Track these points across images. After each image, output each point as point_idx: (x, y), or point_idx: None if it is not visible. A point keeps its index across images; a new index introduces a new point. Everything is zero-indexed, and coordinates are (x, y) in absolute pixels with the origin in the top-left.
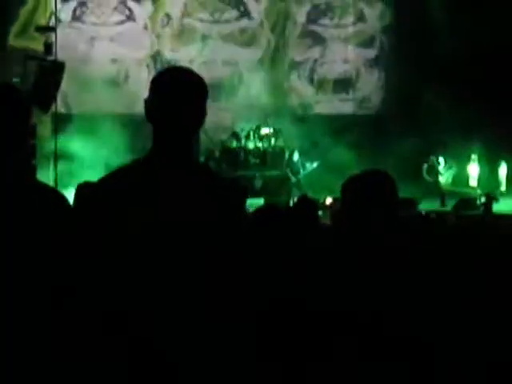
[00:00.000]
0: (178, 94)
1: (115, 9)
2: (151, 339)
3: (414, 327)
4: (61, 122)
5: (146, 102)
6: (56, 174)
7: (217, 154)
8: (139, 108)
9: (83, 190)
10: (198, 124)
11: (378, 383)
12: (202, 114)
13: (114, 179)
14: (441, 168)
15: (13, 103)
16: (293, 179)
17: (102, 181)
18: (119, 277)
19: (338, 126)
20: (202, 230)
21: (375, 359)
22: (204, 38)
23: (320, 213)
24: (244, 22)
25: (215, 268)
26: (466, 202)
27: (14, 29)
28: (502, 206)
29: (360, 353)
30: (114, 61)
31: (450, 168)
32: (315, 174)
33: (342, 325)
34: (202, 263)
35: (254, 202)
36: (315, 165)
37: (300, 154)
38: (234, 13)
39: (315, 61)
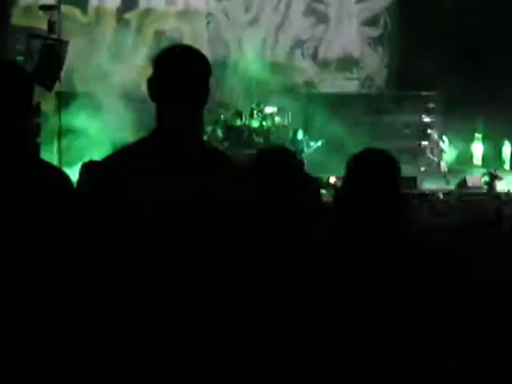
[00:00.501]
0: (180, 72)
1: None
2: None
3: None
4: (65, 99)
5: (149, 81)
6: (60, 152)
7: (220, 132)
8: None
9: (88, 168)
10: (202, 102)
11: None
12: (205, 91)
13: (119, 158)
14: (444, 146)
15: (16, 80)
16: (298, 157)
17: (107, 160)
18: (126, 254)
19: (342, 104)
20: (210, 207)
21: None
22: (208, 15)
23: (324, 191)
24: (247, 1)
25: (223, 244)
26: (470, 179)
27: (19, 7)
28: (506, 185)
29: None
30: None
31: (453, 146)
32: (319, 153)
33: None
34: (209, 240)
35: None
36: (319, 143)
37: (304, 133)
38: None
39: (319, 39)
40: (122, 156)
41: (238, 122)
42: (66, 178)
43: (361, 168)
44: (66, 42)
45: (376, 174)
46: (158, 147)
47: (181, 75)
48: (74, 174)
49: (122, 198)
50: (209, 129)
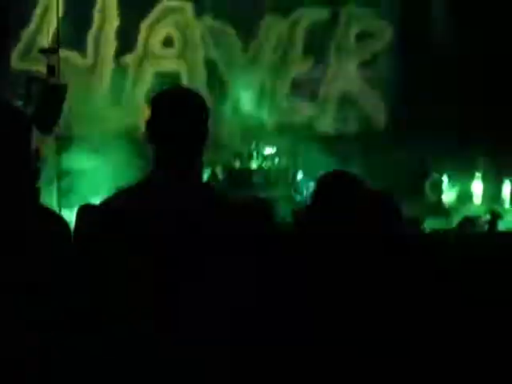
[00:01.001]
0: (177, 114)
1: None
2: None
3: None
4: (64, 143)
5: (146, 123)
6: (59, 195)
7: (219, 174)
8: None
9: (85, 211)
10: (199, 144)
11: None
12: (202, 133)
13: (117, 201)
14: (444, 185)
15: (15, 125)
16: (297, 198)
17: (105, 203)
18: (124, 298)
19: (341, 145)
20: (208, 248)
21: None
22: (205, 57)
23: None
24: (246, 42)
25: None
26: (471, 219)
27: (17, 51)
28: (507, 224)
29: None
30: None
31: (453, 185)
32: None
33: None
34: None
35: None
36: None
37: (304, 174)
38: (235, 32)
39: (317, 79)
40: (119, 198)
41: (238, 164)
42: (65, 226)
43: (324, 189)
44: (65, 86)
45: (337, 194)
46: (155, 189)
47: (177, 118)
48: (73, 216)
49: (121, 242)
50: (208, 170)
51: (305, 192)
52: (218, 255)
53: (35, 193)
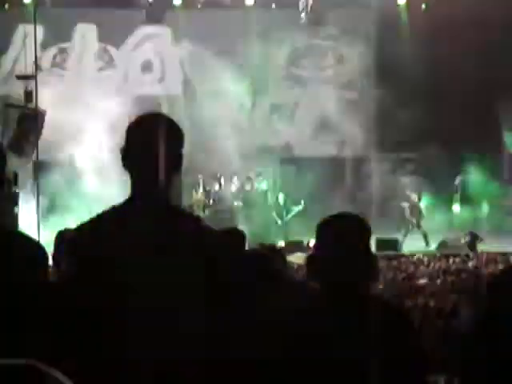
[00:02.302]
0: (151, 141)
1: (96, 55)
2: None
3: None
4: (42, 168)
5: (121, 149)
6: (38, 220)
7: (199, 197)
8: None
9: (63, 237)
10: (173, 169)
11: None
12: (177, 160)
13: (93, 226)
14: (423, 207)
15: None
16: (279, 222)
17: (79, 229)
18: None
19: (320, 168)
20: (182, 280)
21: None
22: (185, 82)
23: (304, 255)
24: (224, 66)
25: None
26: (450, 241)
27: None
28: (485, 246)
29: None
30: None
31: (432, 207)
32: (300, 217)
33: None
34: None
35: None
36: (300, 207)
37: (285, 197)
38: (214, 57)
39: (296, 103)
40: (95, 223)
41: (217, 187)
42: (42, 254)
43: (331, 232)
44: (43, 111)
45: (346, 238)
46: (130, 215)
47: (150, 145)
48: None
49: (96, 266)
50: (187, 193)
51: (285, 215)
52: (189, 283)
53: (13, 216)
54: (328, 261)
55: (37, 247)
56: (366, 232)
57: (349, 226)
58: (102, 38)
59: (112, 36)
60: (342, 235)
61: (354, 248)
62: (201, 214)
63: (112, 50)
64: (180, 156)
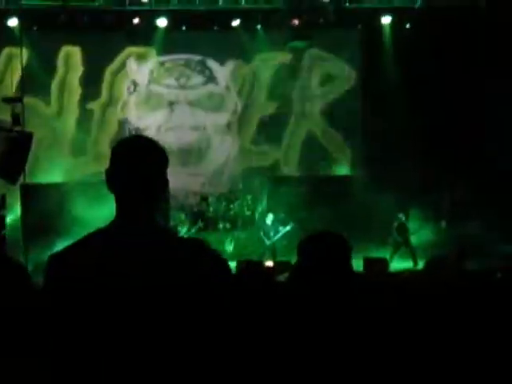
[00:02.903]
0: (135, 164)
1: (81, 77)
2: None
3: None
4: (29, 191)
5: (106, 171)
6: (25, 245)
7: (186, 218)
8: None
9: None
10: (158, 192)
11: None
12: (161, 182)
13: (77, 249)
14: (410, 226)
15: None
16: (267, 242)
17: (65, 252)
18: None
19: (308, 187)
20: (170, 300)
21: None
22: (171, 103)
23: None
24: (210, 87)
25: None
26: (438, 259)
27: None
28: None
29: None
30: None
31: (419, 225)
32: (289, 237)
33: None
34: (169, 334)
35: None
36: (288, 227)
37: (273, 217)
38: (199, 78)
39: (282, 123)
40: (80, 246)
41: (205, 208)
42: (24, 277)
43: (310, 250)
44: (30, 134)
45: (326, 256)
46: (115, 238)
47: (135, 167)
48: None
49: (80, 291)
50: (175, 215)
51: (273, 235)
52: (173, 307)
53: (1, 241)
54: (308, 277)
55: (19, 271)
56: (346, 250)
57: (328, 245)
58: (87, 60)
59: (97, 58)
60: (322, 253)
61: (334, 266)
62: (187, 235)
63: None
64: (164, 177)
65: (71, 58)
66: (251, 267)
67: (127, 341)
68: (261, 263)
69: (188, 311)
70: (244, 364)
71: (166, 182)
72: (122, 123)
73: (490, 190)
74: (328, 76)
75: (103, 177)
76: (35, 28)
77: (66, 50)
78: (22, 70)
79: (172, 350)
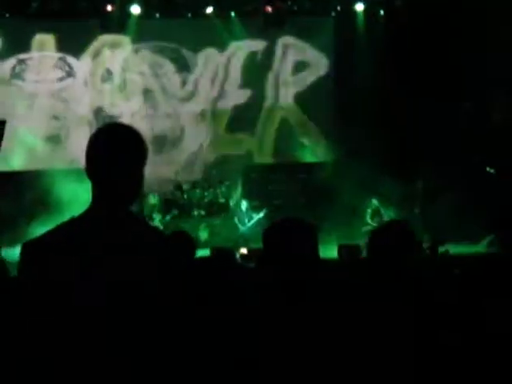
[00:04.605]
0: (113, 151)
1: (55, 65)
2: None
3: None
4: (3, 179)
5: (86, 159)
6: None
7: (161, 206)
8: (81, 164)
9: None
10: (135, 179)
11: None
12: (139, 168)
13: (51, 238)
14: (384, 212)
15: None
16: (241, 229)
17: (39, 240)
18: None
19: (282, 174)
20: (139, 288)
21: None
22: (145, 91)
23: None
24: (184, 75)
25: (151, 326)
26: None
27: None
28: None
29: None
30: (54, 118)
31: (393, 212)
32: (263, 223)
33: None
34: (139, 322)
35: (201, 254)
36: (262, 214)
37: (247, 204)
38: (173, 66)
39: (255, 111)
40: (52, 235)
41: (179, 195)
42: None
43: (276, 236)
44: (3, 122)
45: (290, 243)
46: (89, 226)
47: (112, 155)
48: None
49: (53, 277)
50: (149, 203)
51: (248, 222)
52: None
53: None
54: (272, 265)
55: None
56: (312, 237)
57: (293, 231)
58: (61, 47)
59: (71, 46)
60: (287, 240)
61: (299, 251)
62: (161, 223)
63: (71, 59)
64: (141, 167)
65: (45, 46)
66: (222, 254)
67: (99, 325)
68: (231, 250)
69: (152, 297)
70: (204, 351)
71: (143, 167)
72: (97, 111)
73: (464, 176)
74: (302, 63)
75: (79, 165)
76: (7, 15)
77: (39, 37)
78: None
79: (139, 330)
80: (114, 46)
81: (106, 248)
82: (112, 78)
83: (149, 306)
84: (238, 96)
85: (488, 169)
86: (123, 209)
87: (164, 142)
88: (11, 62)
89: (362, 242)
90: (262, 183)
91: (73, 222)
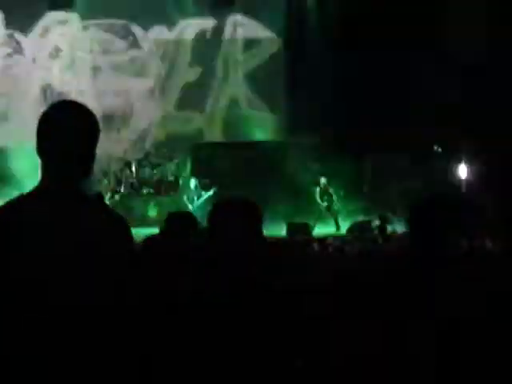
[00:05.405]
0: (66, 128)
1: (2, 42)
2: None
3: None
4: None
5: (37, 135)
6: None
7: (110, 184)
8: (29, 141)
9: None
10: (85, 157)
11: None
12: (89, 146)
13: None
14: (333, 192)
15: None
16: (189, 207)
17: None
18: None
19: (232, 153)
20: (87, 264)
21: None
22: (94, 69)
23: None
24: (134, 52)
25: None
26: (361, 224)
27: None
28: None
29: None
30: (2, 95)
31: (342, 191)
32: (212, 202)
33: None
34: (85, 298)
35: (149, 232)
36: (211, 192)
37: (196, 182)
38: (123, 43)
39: (205, 89)
40: (2, 210)
41: (128, 173)
42: None
43: (219, 216)
44: None
45: (233, 223)
46: (40, 201)
47: (60, 132)
48: None
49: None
50: (98, 180)
51: (196, 200)
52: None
53: None
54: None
55: None
56: (256, 217)
57: (236, 211)
58: (9, 24)
59: (19, 22)
60: (229, 220)
61: (241, 232)
62: (110, 201)
63: (19, 36)
64: (93, 143)
65: None
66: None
67: (46, 306)
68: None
69: (101, 274)
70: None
71: (94, 145)
72: (45, 88)
73: (412, 156)
74: (252, 41)
75: (27, 142)
76: None
77: None
78: None
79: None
80: (62, 22)
81: (55, 226)
82: (61, 55)
83: (99, 280)
84: (187, 73)
85: (435, 147)
86: (74, 187)
87: (113, 120)
88: None
89: (310, 220)
90: (211, 161)
91: (21, 199)
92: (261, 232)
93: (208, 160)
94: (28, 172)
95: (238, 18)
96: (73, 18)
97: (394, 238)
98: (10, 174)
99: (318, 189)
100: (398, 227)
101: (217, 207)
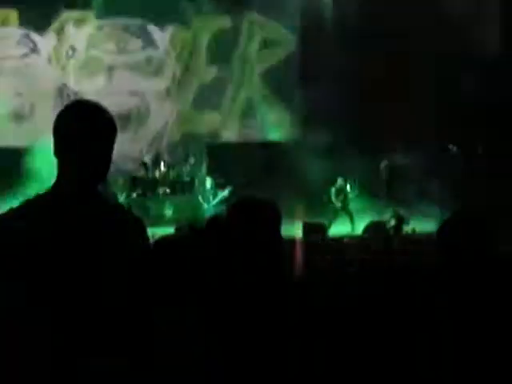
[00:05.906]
0: (83, 128)
1: (18, 42)
2: None
3: None
4: None
5: (54, 135)
6: None
7: (126, 184)
8: (45, 142)
9: None
10: (104, 159)
11: None
12: (108, 148)
13: (16, 214)
14: (349, 191)
15: None
16: (205, 207)
17: (3, 217)
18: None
19: (248, 153)
20: (104, 267)
21: None
22: (110, 68)
23: None
24: (149, 52)
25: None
26: (377, 224)
27: None
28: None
29: None
30: (18, 94)
31: (358, 190)
32: (227, 201)
33: None
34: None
35: (166, 231)
36: (226, 192)
37: (212, 182)
38: (139, 43)
39: (222, 88)
40: (16, 213)
41: (143, 173)
42: None
43: (240, 215)
44: None
45: (254, 223)
46: (55, 203)
47: (80, 132)
48: None
49: (17, 255)
50: (114, 180)
51: (212, 200)
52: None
53: None
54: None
55: None
56: (276, 218)
57: (257, 211)
58: (25, 24)
59: (35, 22)
60: (246, 222)
61: (262, 232)
62: (126, 201)
63: (35, 36)
64: (111, 142)
65: (8, 22)
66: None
67: (65, 307)
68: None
69: (115, 275)
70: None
71: (112, 145)
72: (61, 88)
73: (428, 157)
74: (268, 41)
75: (44, 142)
76: None
77: (3, 13)
78: None
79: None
80: (78, 22)
81: (72, 226)
82: (76, 54)
83: (115, 283)
84: (203, 73)
85: (450, 146)
86: (90, 187)
87: (129, 120)
88: None
89: (326, 220)
90: (227, 161)
91: (38, 199)
92: (280, 233)
93: (223, 160)
94: (44, 173)
95: (254, 16)
96: (89, 17)
97: (409, 240)
98: (26, 174)
99: (333, 189)
100: (418, 226)
101: (236, 207)
